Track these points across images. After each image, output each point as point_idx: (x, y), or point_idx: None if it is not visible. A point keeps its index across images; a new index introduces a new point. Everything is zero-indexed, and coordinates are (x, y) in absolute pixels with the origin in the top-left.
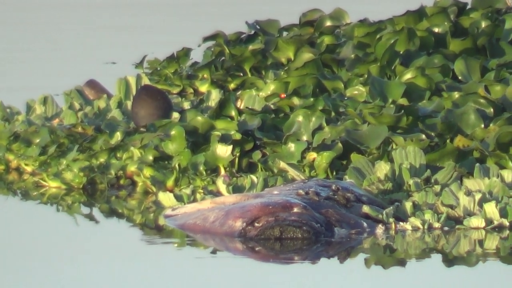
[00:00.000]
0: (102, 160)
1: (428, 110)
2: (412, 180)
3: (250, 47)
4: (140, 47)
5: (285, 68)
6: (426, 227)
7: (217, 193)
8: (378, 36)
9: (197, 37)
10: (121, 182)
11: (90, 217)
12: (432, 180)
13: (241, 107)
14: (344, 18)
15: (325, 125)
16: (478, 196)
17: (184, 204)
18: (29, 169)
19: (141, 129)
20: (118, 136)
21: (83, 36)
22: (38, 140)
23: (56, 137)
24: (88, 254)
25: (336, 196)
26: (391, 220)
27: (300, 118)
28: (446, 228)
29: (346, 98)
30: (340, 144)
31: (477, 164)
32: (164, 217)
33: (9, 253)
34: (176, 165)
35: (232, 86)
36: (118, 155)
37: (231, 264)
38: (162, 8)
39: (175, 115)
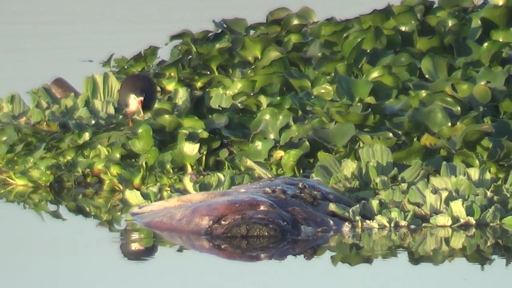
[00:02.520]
0: (69, 158)
1: (395, 109)
2: (379, 178)
3: (217, 45)
4: (107, 46)
5: (252, 67)
6: (392, 225)
7: (184, 191)
8: (345, 35)
9: (164, 35)
10: (88, 180)
11: (57, 215)
12: (399, 178)
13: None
14: (311, 16)
15: (292, 123)
16: (444, 194)
17: (151, 202)
18: None
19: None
20: (86, 136)
21: (50, 34)
22: (4, 138)
23: (23, 135)
24: (54, 252)
25: (302, 194)
26: (357, 218)
27: (267, 117)
28: (412, 226)
29: (313, 97)
30: (307, 143)
31: (444, 162)
32: (131, 215)
33: None
34: (143, 163)
35: (199, 84)
36: (85, 153)
37: (198, 262)
38: (128, 6)
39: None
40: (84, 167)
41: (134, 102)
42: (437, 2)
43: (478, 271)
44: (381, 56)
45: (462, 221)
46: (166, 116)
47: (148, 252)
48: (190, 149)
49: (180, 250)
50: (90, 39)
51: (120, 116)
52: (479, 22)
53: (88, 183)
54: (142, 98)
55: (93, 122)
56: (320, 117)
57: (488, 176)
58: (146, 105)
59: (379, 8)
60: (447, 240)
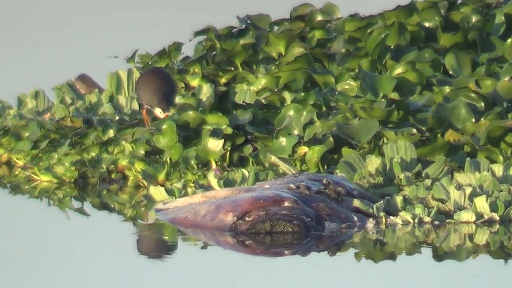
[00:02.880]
0: (93, 154)
1: (419, 105)
2: (403, 174)
3: (241, 41)
4: (132, 41)
5: (276, 63)
6: (416, 221)
7: (208, 187)
8: (369, 31)
9: (188, 31)
10: (113, 176)
11: (81, 211)
12: (423, 174)
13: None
14: (335, 12)
15: (316, 119)
16: (468, 190)
17: (175, 198)
18: (20, 163)
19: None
20: (111, 132)
21: (75, 30)
22: (27, 134)
23: (46, 131)
24: (79, 248)
25: (327, 190)
26: (381, 214)
27: (291, 113)
28: (436, 222)
29: (337, 93)
30: (331, 138)
31: (468, 159)
32: (155, 211)
33: (4, 248)
34: (168, 159)
35: (223, 80)
36: (110, 149)
37: (222, 258)
38: (153, 2)
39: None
40: (108, 163)
41: (160, 115)
42: None
43: (502, 267)
44: (405, 52)
45: (486, 217)
46: (190, 112)
47: (172, 248)
48: (214, 145)
49: (204, 246)
50: (114, 35)
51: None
52: (503, 18)
53: (112, 179)
54: (168, 113)
55: (117, 118)
56: (344, 113)
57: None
58: (168, 103)
59: (402, 4)
60: (471, 236)
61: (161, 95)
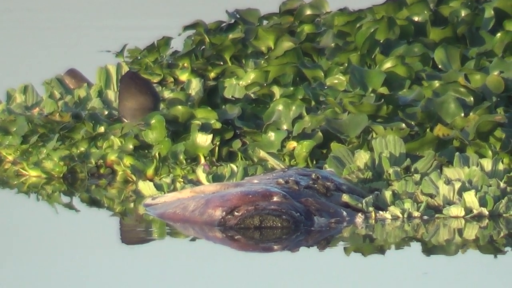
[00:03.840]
0: (82, 149)
1: (408, 99)
2: (392, 169)
3: (230, 36)
4: (120, 36)
5: (265, 57)
6: (405, 216)
7: (197, 182)
8: (358, 25)
9: (177, 26)
10: (101, 171)
11: (70, 206)
12: (412, 169)
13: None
14: (324, 7)
15: (305, 114)
16: (457, 185)
17: (164, 193)
18: (10, 158)
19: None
20: (102, 129)
21: (63, 25)
22: (15, 129)
23: (34, 126)
24: (67, 243)
25: (316, 185)
26: (370, 209)
27: (280, 107)
28: (425, 217)
29: (326, 87)
30: (320, 133)
31: (457, 153)
32: (144, 206)
33: None
34: (156, 154)
35: (212, 75)
36: (99, 144)
37: (211, 253)
38: None
39: (163, 106)
40: (97, 158)
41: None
42: None
43: (491, 262)
44: (394, 46)
45: (475, 212)
46: (179, 106)
47: (161, 243)
48: (203, 139)
49: (193, 241)
50: (103, 30)
51: None
52: (492, 12)
53: (101, 174)
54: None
55: (106, 112)
56: (333, 107)
57: (501, 167)
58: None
59: None
60: (460, 231)
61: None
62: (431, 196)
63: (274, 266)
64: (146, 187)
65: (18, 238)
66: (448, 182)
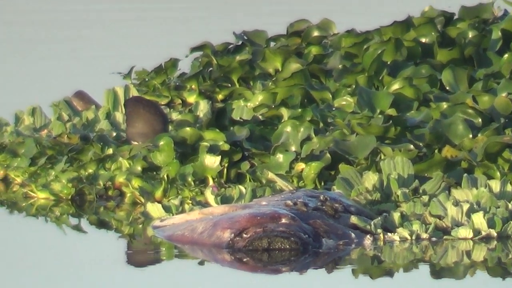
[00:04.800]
0: (90, 171)
1: (416, 121)
2: (400, 191)
3: (238, 57)
4: (128, 58)
5: (273, 79)
6: (414, 237)
7: (206, 204)
8: (365, 46)
9: (184, 47)
10: (110, 193)
11: (79, 228)
12: (420, 191)
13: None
14: (332, 28)
15: (314, 135)
16: (466, 207)
17: (173, 215)
18: (18, 180)
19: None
20: (110, 150)
21: (71, 47)
22: (23, 151)
23: (42, 147)
24: (76, 265)
25: (324, 207)
26: (379, 230)
27: (289, 129)
28: (434, 239)
29: (334, 109)
30: (328, 155)
31: (465, 175)
32: (153, 228)
33: (0, 265)
34: (165, 176)
35: (220, 97)
36: (107, 166)
37: (219, 275)
38: (149, 19)
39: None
40: (105, 180)
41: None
42: (458, 14)
43: (499, 284)
44: (401, 67)
45: (483, 233)
46: (187, 128)
47: (169, 265)
48: (212, 161)
49: (201, 263)
50: (110, 51)
51: None
52: (500, 33)
53: (109, 196)
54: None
55: (114, 134)
56: (341, 129)
57: (509, 188)
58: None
59: (399, 20)
60: (468, 253)
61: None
62: (439, 217)
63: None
64: (154, 209)
65: (26, 260)
66: (457, 203)
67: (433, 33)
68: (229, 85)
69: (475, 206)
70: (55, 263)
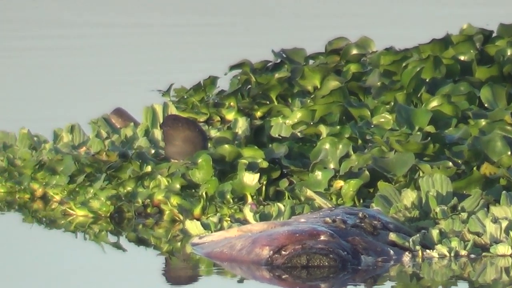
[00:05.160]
0: (129, 188)
1: (455, 138)
2: (438, 208)
3: (276, 75)
4: (167, 75)
5: (312, 96)
6: (452, 254)
7: (244, 221)
8: (404, 64)
9: (223, 65)
10: (148, 210)
11: (117, 246)
12: (459, 208)
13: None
14: (370, 46)
15: (352, 152)
16: (504, 224)
17: (211, 232)
18: (57, 197)
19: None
20: (149, 168)
21: (110, 64)
22: (62, 168)
23: (81, 165)
24: (115, 283)
25: (363, 224)
26: (417, 247)
27: (327, 146)
28: (472, 256)
29: (372, 126)
30: (367, 172)
31: (504, 192)
32: (191, 245)
33: (40, 282)
34: (203, 193)
35: (258, 114)
36: (145, 183)
37: None
38: (188, 36)
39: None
40: (144, 198)
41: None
42: (496, 31)
43: None
44: (440, 85)
45: None
46: (226, 145)
47: (208, 282)
48: (250, 179)
49: (240, 281)
50: (149, 68)
51: None
52: None
53: (148, 213)
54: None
55: (152, 151)
56: (379, 146)
57: None
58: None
59: (438, 38)
60: (507, 270)
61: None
62: (478, 234)
63: None
64: (193, 226)
65: (66, 278)
66: (495, 220)
67: (471, 51)
68: (268, 102)
69: None
70: (94, 281)
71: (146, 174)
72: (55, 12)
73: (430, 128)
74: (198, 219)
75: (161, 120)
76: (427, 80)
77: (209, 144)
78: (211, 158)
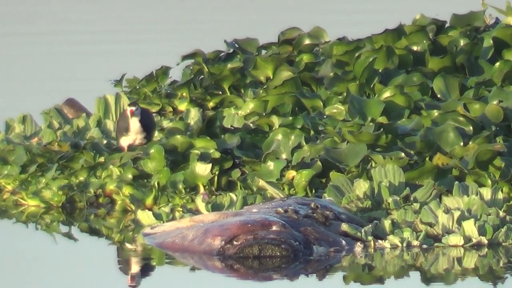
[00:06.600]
0: (81, 178)
1: (407, 129)
2: (391, 198)
3: (229, 65)
4: (119, 66)
5: (264, 87)
6: (405, 245)
7: (196, 211)
8: (357, 54)
9: (175, 56)
10: (100, 200)
11: (69, 236)
12: (411, 198)
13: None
14: (323, 36)
15: (304, 143)
16: (457, 214)
17: (163, 222)
18: (9, 187)
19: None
20: (102, 158)
21: (62, 54)
22: (14, 158)
23: (33, 155)
24: (66, 273)
25: (315, 214)
26: (370, 238)
27: (280, 137)
28: (425, 246)
29: (325, 117)
30: (319, 163)
31: (456, 182)
32: (143, 236)
33: None
34: (155, 184)
35: (211, 104)
36: (98, 173)
37: (210, 282)
38: (140, 26)
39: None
40: (96, 188)
41: (130, 118)
42: (449, 22)
43: None
44: (393, 75)
45: (474, 240)
46: (178, 136)
47: (160, 273)
48: (202, 169)
49: (192, 270)
50: (101, 59)
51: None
52: (491, 41)
53: (100, 203)
54: (134, 108)
55: (104, 142)
56: (332, 137)
57: (500, 195)
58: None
59: (390, 28)
60: (459, 260)
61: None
62: (430, 225)
63: None
64: (145, 217)
65: (16, 268)
66: (448, 211)
67: (424, 41)
68: (220, 93)
69: (466, 213)
70: (45, 271)
71: (98, 164)
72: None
73: (383, 119)
74: (150, 209)
75: (113, 111)
76: (380, 71)
77: (161, 135)
78: (163, 149)
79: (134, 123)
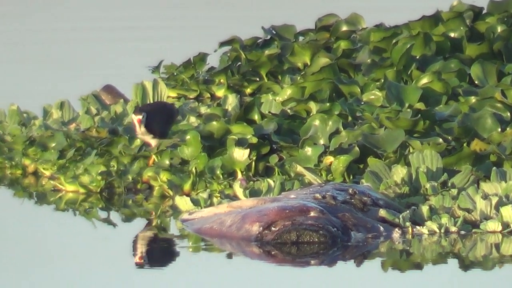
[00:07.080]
0: (120, 164)
1: (445, 115)
2: (429, 184)
3: (266, 52)
4: (157, 52)
5: (302, 73)
6: (442, 231)
7: (234, 197)
8: (394, 41)
9: (213, 42)
10: (138, 186)
11: (108, 221)
12: (449, 184)
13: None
14: (360, 23)
15: (342, 129)
16: (495, 200)
17: (201, 208)
18: (47, 173)
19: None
20: (138, 141)
21: (100, 41)
22: (53, 144)
23: (72, 141)
24: (105, 258)
25: (353, 200)
26: (407, 224)
27: (317, 123)
28: (462, 232)
29: (362, 103)
30: (357, 148)
31: (494, 168)
32: (181, 221)
33: (31, 257)
34: (193, 169)
35: (248, 91)
36: (136, 160)
37: (248, 268)
38: (178, 12)
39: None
40: (134, 174)
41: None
42: (486, 8)
43: None
44: (430, 62)
45: None
46: (214, 122)
47: (198, 258)
48: (240, 154)
49: (229, 256)
50: (140, 45)
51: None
52: None
53: (138, 189)
54: (140, 117)
55: None
56: (369, 122)
57: None
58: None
59: (428, 14)
60: (497, 246)
61: (140, 113)
62: (468, 211)
63: (311, 281)
64: (183, 202)
65: (57, 253)
66: (485, 197)
67: (461, 28)
68: (258, 79)
69: (504, 199)
70: (84, 256)
71: (140, 155)
72: None
73: (420, 105)
74: (187, 195)
75: (150, 97)
76: (417, 57)
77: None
78: (199, 134)
79: (142, 130)
